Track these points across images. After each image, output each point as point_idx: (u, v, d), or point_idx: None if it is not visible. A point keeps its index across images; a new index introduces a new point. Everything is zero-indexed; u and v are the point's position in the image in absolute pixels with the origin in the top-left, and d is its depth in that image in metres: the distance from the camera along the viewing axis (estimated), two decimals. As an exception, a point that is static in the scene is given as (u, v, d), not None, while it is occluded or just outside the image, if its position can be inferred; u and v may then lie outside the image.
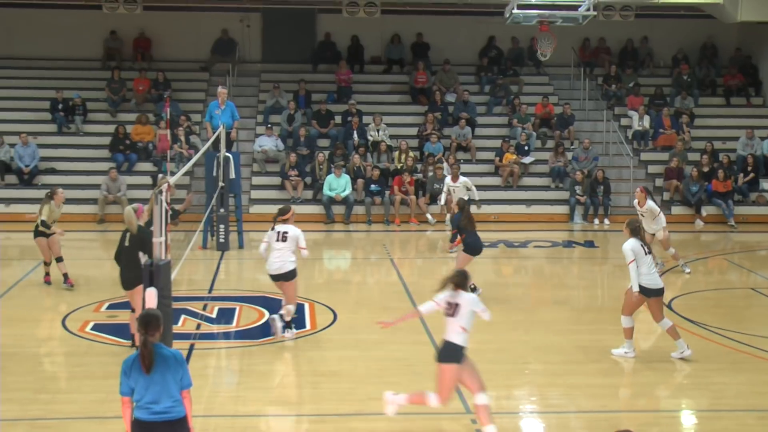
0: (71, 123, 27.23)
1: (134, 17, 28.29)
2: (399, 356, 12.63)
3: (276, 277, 13.33)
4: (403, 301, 15.87)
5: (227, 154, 19.94)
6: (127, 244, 12.19)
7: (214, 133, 20.28)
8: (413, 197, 24.68)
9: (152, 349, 7.34)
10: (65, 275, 16.17)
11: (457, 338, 9.42)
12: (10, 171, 25.34)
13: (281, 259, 13.20)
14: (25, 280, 17.24)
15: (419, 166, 25.78)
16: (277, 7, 29.49)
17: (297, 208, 22.52)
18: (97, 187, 24.72)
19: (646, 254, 12.26)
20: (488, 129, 28.44)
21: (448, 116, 28.13)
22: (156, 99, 27.73)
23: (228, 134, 20.47)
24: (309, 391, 11.37)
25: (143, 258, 11.17)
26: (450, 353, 9.45)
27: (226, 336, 13.82)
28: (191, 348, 12.78)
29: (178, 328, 13.19)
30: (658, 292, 12.35)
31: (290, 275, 13.25)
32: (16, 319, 14.15)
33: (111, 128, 26.63)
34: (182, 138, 25.57)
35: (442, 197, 21.99)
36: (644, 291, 12.22)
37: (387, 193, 24.99)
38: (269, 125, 26.82)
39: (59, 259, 16.27)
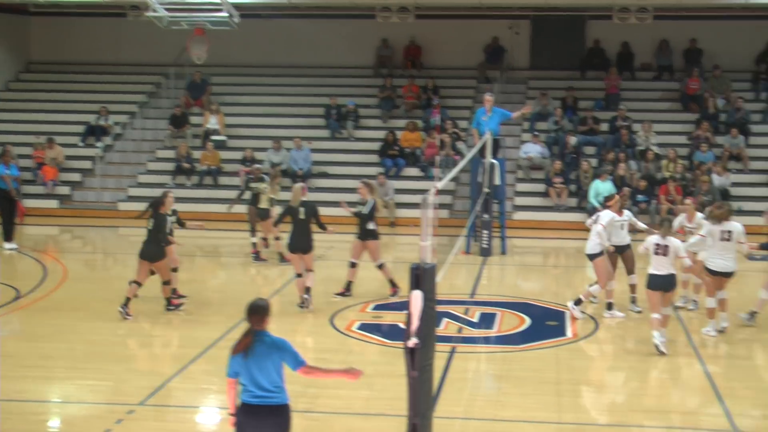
0: (343, 129, 28.26)
1: (406, 26, 29.03)
2: (663, 368, 12.42)
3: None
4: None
5: (493, 160, 20.14)
6: (302, 217, 14.80)
7: (480, 139, 20.55)
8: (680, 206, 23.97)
9: (253, 337, 7.43)
10: None
11: (665, 270, 12.64)
12: (286, 174, 26.48)
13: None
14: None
15: (688, 175, 25.02)
16: (547, 14, 29.44)
17: (560, 216, 22.37)
18: (366, 190, 25.47)
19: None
20: (764, 138, 27.21)
21: (719, 124, 27.16)
22: (425, 106, 28.31)
23: (495, 140, 20.62)
24: (568, 400, 11.27)
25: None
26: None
27: (487, 341, 13.97)
28: (452, 351, 13.01)
29: (440, 331, 13.46)
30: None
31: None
32: (285, 314, 14.90)
33: (381, 134, 27.42)
34: (448, 144, 25.98)
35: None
36: None
37: (653, 202, 24.43)
38: (535, 132, 26.82)
39: None
